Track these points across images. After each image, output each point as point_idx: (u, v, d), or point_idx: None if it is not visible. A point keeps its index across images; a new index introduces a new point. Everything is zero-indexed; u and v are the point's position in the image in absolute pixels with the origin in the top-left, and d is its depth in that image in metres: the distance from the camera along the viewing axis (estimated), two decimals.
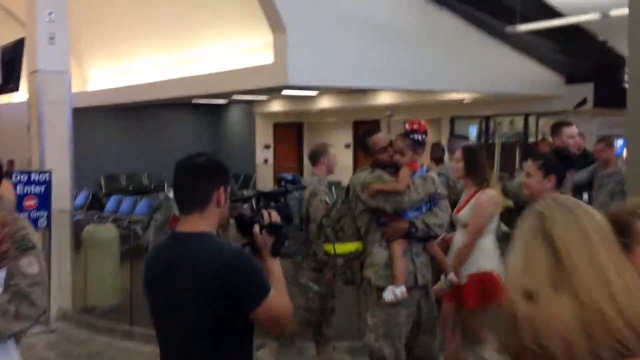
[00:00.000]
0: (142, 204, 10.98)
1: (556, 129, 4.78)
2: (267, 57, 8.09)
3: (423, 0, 8.75)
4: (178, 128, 16.63)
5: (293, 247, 3.68)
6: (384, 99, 12.95)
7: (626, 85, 9.54)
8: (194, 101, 14.82)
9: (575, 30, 8.42)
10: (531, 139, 11.90)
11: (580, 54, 9.32)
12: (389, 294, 3.22)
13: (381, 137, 3.47)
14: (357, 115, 15.00)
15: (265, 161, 16.80)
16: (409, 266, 3.30)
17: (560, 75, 10.30)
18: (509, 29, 7.64)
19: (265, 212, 2.10)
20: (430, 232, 3.33)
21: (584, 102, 10.09)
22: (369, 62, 8.17)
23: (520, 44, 9.48)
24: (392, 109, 13.80)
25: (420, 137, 3.28)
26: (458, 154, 3.74)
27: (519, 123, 12.20)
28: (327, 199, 3.96)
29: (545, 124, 12.02)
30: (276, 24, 7.60)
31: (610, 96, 9.76)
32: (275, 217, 2.11)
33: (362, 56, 8.07)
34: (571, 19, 7.25)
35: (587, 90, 10.01)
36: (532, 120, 11.99)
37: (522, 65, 9.89)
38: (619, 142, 11.17)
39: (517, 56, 9.76)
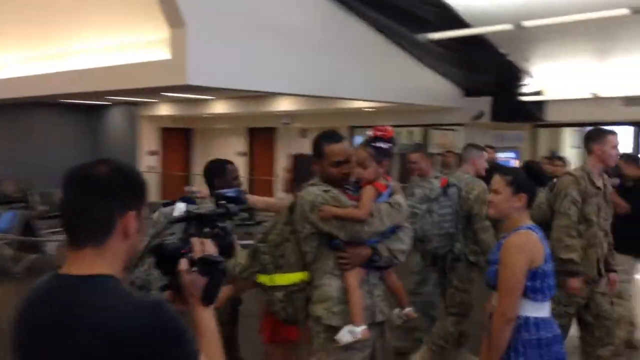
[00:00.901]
0: (6, 217, 9.50)
1: (598, 136, 3.73)
2: (161, 53, 7.24)
3: (331, 5, 8.34)
4: (49, 130, 14.96)
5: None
6: (281, 105, 12.43)
7: (522, 99, 9.86)
8: (63, 101, 13.35)
9: (478, 43, 8.43)
10: (432, 151, 11.94)
11: (480, 67, 9.40)
12: (345, 335, 2.63)
13: (340, 148, 2.75)
14: (252, 122, 14.34)
15: (151, 168, 15.57)
16: (366, 300, 2.74)
17: (460, 87, 10.38)
18: (421, 37, 7.43)
19: (196, 242, 1.51)
20: (393, 261, 2.79)
21: (480, 114, 10.25)
22: (273, 65, 7.59)
23: (423, 55, 9.39)
24: (289, 116, 13.33)
25: (386, 146, 2.67)
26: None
27: (417, 134, 12.22)
28: None
29: (442, 135, 12.14)
30: (174, 18, 6.79)
31: (508, 109, 9.99)
32: (211, 248, 1.51)
33: (266, 58, 7.48)
34: (483, 29, 7.17)
35: (484, 103, 10.17)
36: (430, 131, 12.06)
37: (423, 76, 9.81)
38: (509, 155, 11.59)
39: (419, 67, 9.67)
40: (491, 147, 7.46)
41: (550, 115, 9.94)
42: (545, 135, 12.51)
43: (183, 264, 1.47)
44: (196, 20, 6.85)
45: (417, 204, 4.24)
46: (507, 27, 6.71)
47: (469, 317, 4.61)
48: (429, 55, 9.42)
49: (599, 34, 7.72)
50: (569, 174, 3.78)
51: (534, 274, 2.39)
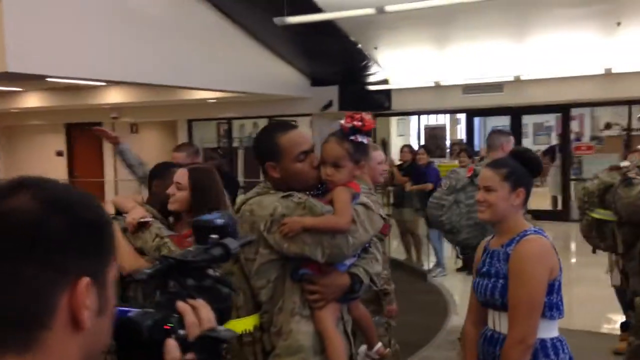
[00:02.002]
0: None
1: None
2: None
3: None
4: None
5: None
6: (108, 97, 11.08)
7: (369, 88, 9.91)
8: None
9: (328, 30, 8.20)
10: None
11: (328, 55, 9.21)
12: None
13: (300, 135, 2.07)
14: (72, 117, 12.65)
15: None
16: (344, 343, 2.08)
17: (307, 77, 10.11)
18: (277, 20, 6.93)
19: (186, 309, 0.92)
20: (372, 288, 2.16)
21: (329, 104, 10.11)
22: (107, 49, 6.49)
23: (272, 43, 8.94)
24: (116, 109, 11.98)
25: (365, 141, 2.04)
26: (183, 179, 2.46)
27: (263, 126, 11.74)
28: (382, 213, 2.58)
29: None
30: None
31: (355, 98, 9.97)
32: (208, 315, 0.93)
33: (99, 42, 6.38)
34: (344, 13, 6.89)
35: (332, 92, 10.04)
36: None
37: (272, 65, 9.36)
38: None
39: (268, 56, 9.19)
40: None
41: (396, 104, 10.14)
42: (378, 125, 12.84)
43: (171, 349, 0.86)
44: None
45: (444, 195, 3.96)
46: (368, 11, 6.51)
47: None
48: (278, 43, 8.99)
49: (439, 21, 7.95)
50: None
51: (551, 288, 2.03)
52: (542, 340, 2.03)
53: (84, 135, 13.07)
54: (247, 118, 11.58)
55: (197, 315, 0.91)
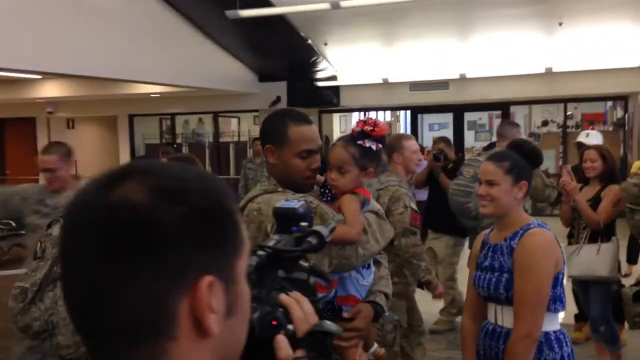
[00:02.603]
0: None
1: None
2: None
3: None
4: None
5: None
6: (44, 91, 10.54)
7: (318, 84, 9.87)
8: None
9: (279, 25, 8.11)
10: (227, 139, 11.37)
11: (276, 50, 9.11)
12: None
13: (313, 133, 1.96)
14: (3, 112, 11.95)
15: None
16: None
17: (255, 72, 9.97)
18: (230, 13, 6.78)
19: (291, 302, 0.85)
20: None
21: (278, 100, 10.01)
22: (40, 40, 6.12)
23: (220, 37, 8.75)
24: (53, 104, 11.43)
25: (374, 147, 1.92)
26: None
27: (209, 123, 11.51)
28: (414, 205, 2.63)
29: (227, 122, 11.64)
30: None
31: (304, 95, 9.92)
32: (311, 310, 0.85)
33: (32, 31, 6.01)
34: (300, 7, 6.82)
35: (280, 88, 9.95)
36: (226, 120, 11.44)
37: (219, 59, 9.16)
38: None
39: (215, 50, 8.99)
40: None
41: (344, 100, 10.16)
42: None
43: (282, 346, 0.79)
44: None
45: (469, 182, 4.01)
46: (323, 6, 6.48)
47: None
48: (226, 37, 8.81)
49: (386, 19, 8.02)
50: None
51: (555, 281, 2.03)
52: (546, 334, 2.04)
53: (18, 131, 12.40)
54: (192, 113, 11.31)
55: (302, 309, 0.84)
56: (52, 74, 8.65)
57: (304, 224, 1.02)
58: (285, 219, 1.05)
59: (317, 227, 1.02)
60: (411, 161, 3.13)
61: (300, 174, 1.93)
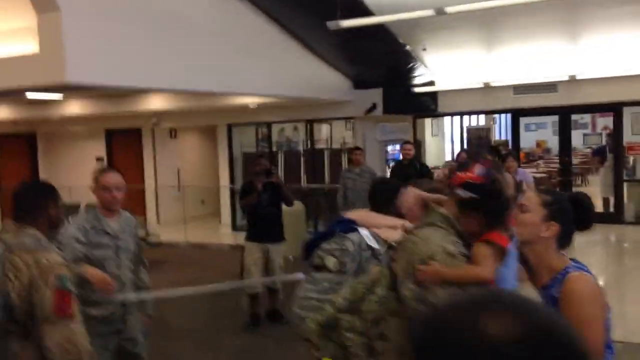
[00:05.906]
0: None
1: None
2: (24, 45, 5.77)
3: None
4: None
5: None
6: (149, 103, 11.05)
7: (414, 90, 9.68)
8: None
9: (377, 33, 8.03)
10: (322, 146, 11.43)
11: (373, 58, 9.04)
12: None
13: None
14: (112, 123, 12.66)
15: None
16: None
17: (350, 79, 9.95)
18: (332, 24, 6.78)
19: None
20: None
21: (374, 107, 9.93)
22: (155, 58, 6.42)
23: (316, 46, 8.80)
24: (157, 115, 11.97)
25: (468, 196, 1.93)
26: None
27: (303, 130, 11.61)
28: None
29: (320, 130, 11.68)
30: (45, 1, 5.41)
31: (400, 101, 9.77)
32: None
33: (148, 51, 6.31)
34: (402, 15, 6.70)
35: (375, 95, 9.85)
36: (317, 127, 11.51)
37: (315, 68, 9.21)
38: (395, 147, 11.48)
39: (311, 59, 9.04)
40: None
41: (442, 106, 9.92)
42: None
43: None
44: (69, 4, 5.52)
45: None
46: (427, 12, 6.33)
47: None
48: (322, 47, 8.84)
49: (490, 22, 7.74)
50: None
51: (605, 327, 1.87)
52: None
53: (124, 141, 13.09)
54: (288, 122, 11.46)
55: None
56: (163, 90, 9.08)
57: None
58: None
59: None
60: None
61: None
